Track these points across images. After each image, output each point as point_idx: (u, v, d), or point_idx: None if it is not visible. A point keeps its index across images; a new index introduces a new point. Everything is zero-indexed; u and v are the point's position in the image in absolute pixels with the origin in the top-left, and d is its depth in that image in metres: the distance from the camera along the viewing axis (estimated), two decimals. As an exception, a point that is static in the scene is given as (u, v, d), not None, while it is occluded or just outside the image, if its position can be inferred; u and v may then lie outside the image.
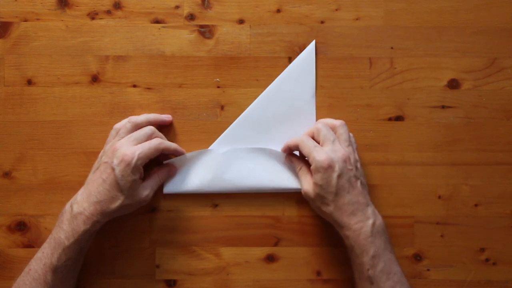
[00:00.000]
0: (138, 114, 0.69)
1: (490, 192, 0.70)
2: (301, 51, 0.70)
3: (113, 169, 0.61)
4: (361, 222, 0.62)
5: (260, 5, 0.70)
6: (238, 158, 0.68)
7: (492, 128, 0.70)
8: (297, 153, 0.68)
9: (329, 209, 0.62)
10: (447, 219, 0.70)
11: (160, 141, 0.64)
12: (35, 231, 0.69)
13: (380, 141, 0.70)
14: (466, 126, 0.70)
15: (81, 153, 0.69)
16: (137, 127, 0.66)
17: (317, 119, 0.69)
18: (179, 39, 0.70)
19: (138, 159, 0.61)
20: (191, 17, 0.70)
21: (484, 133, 0.70)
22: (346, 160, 0.63)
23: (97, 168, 0.63)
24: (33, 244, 0.69)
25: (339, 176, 0.62)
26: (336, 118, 0.70)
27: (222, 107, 0.70)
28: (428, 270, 0.70)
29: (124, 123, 0.66)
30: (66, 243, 0.61)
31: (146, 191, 0.64)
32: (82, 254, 0.64)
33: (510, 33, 0.70)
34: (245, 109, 0.69)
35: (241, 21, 0.70)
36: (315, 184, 0.63)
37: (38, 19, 0.69)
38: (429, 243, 0.70)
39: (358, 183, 0.63)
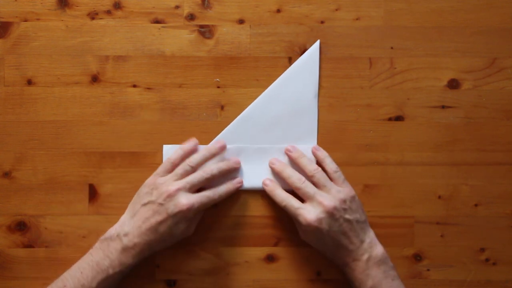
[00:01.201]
0: (138, 114, 0.69)
1: (490, 192, 0.70)
2: (301, 51, 0.70)
3: (169, 216, 0.62)
4: (356, 260, 0.64)
5: (260, 5, 0.70)
6: (240, 156, 0.68)
7: (492, 128, 0.70)
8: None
9: (327, 254, 0.67)
10: (447, 219, 0.70)
11: (218, 195, 0.65)
12: (35, 231, 0.69)
13: (380, 141, 0.70)
14: (466, 126, 0.70)
15: (81, 153, 0.69)
16: (196, 168, 0.66)
17: (318, 119, 0.69)
18: (179, 39, 0.70)
19: (193, 212, 0.63)
20: (191, 17, 0.70)
21: (484, 133, 0.70)
22: (332, 212, 0.63)
23: (149, 203, 0.63)
24: (33, 244, 0.69)
25: (328, 232, 0.64)
26: (336, 118, 0.70)
27: (222, 107, 0.70)
28: (428, 270, 0.70)
29: (181, 163, 0.66)
30: (111, 272, 0.62)
31: (192, 229, 0.65)
32: (120, 281, 0.65)
33: (510, 33, 0.70)
34: (245, 109, 0.69)
35: (241, 21, 0.70)
36: (309, 241, 0.66)
37: (38, 19, 0.69)
38: (429, 243, 0.70)
39: (352, 225, 0.64)
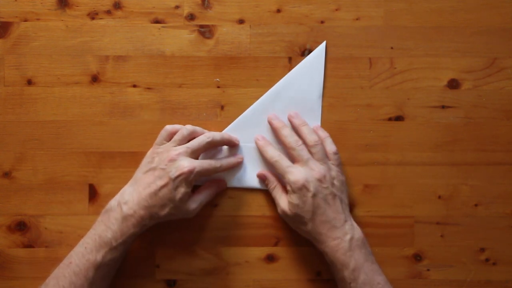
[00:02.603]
0: (138, 114, 0.69)
1: (490, 192, 0.70)
2: (301, 51, 0.70)
3: (170, 179, 0.62)
4: (339, 239, 0.63)
5: (260, 5, 0.70)
6: (241, 155, 0.69)
7: (492, 128, 0.70)
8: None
9: (307, 228, 0.64)
10: (447, 219, 0.70)
11: (219, 164, 0.65)
12: (35, 231, 0.69)
13: (380, 141, 0.70)
14: (466, 126, 0.70)
15: (81, 153, 0.69)
16: (194, 135, 0.66)
17: (322, 120, 0.70)
18: (179, 39, 0.70)
19: (195, 175, 0.62)
20: (191, 17, 0.70)
21: (484, 133, 0.70)
22: (321, 179, 0.63)
23: (150, 170, 0.63)
24: (33, 244, 0.69)
25: (314, 195, 0.63)
26: (336, 118, 0.70)
27: (222, 107, 0.70)
28: (428, 270, 0.70)
29: (179, 128, 0.66)
30: (114, 243, 0.61)
31: (194, 204, 0.65)
32: (124, 253, 0.64)
33: (510, 33, 0.70)
34: (245, 109, 0.69)
35: (241, 21, 0.70)
36: (291, 203, 0.64)
37: (38, 19, 0.69)
38: (429, 243, 0.70)
39: (336, 200, 0.64)
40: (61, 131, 0.69)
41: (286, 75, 0.69)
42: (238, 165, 0.68)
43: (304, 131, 0.67)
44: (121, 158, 0.69)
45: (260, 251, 0.70)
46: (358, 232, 0.64)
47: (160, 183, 0.62)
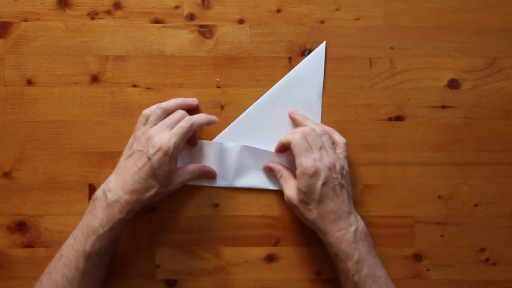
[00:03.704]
0: (138, 114, 0.69)
1: (490, 192, 0.70)
2: (301, 51, 0.70)
3: (149, 158, 0.61)
4: (344, 230, 0.62)
5: (260, 5, 0.70)
6: (241, 154, 0.68)
7: (492, 128, 0.70)
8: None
9: (312, 215, 0.63)
10: (447, 219, 0.70)
11: (191, 122, 0.63)
12: (35, 231, 0.69)
13: (380, 141, 0.70)
14: (466, 126, 0.70)
15: (81, 153, 0.69)
16: (167, 112, 0.65)
17: (322, 120, 0.70)
18: (179, 39, 0.70)
19: (174, 148, 0.61)
20: (191, 17, 0.70)
21: (484, 133, 0.70)
22: (331, 168, 0.63)
23: (130, 155, 0.63)
24: (33, 244, 0.69)
25: (324, 184, 0.63)
26: (336, 118, 0.70)
27: (222, 107, 0.70)
28: (428, 270, 0.70)
29: (153, 109, 0.65)
30: (101, 231, 0.61)
31: (179, 179, 0.65)
32: (115, 242, 0.64)
33: (510, 33, 0.70)
34: (245, 109, 0.69)
35: (241, 21, 0.70)
36: (299, 190, 0.64)
37: (38, 19, 0.69)
38: (429, 243, 0.70)
39: (343, 191, 0.64)
40: (61, 131, 0.69)
41: (286, 75, 0.70)
42: (210, 121, 0.66)
43: (310, 123, 0.67)
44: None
45: (260, 251, 0.70)
46: (361, 224, 0.64)
47: (140, 163, 0.61)
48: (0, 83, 0.69)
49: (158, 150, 0.61)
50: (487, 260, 0.70)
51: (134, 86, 0.70)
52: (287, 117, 0.69)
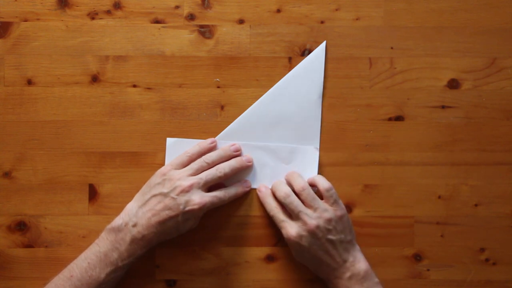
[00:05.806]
0: (138, 114, 0.69)
1: (490, 192, 0.70)
2: (301, 51, 0.70)
3: (180, 212, 0.62)
4: (338, 278, 0.64)
5: (260, 5, 0.70)
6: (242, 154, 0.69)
7: (492, 128, 0.70)
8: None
9: (310, 268, 0.67)
10: (447, 219, 0.70)
11: (226, 196, 0.65)
12: (35, 231, 0.69)
13: (380, 141, 0.70)
14: (466, 126, 0.70)
15: (81, 153, 0.69)
16: (212, 166, 0.66)
17: (322, 120, 0.70)
18: (179, 39, 0.70)
19: (204, 210, 0.64)
20: (191, 17, 0.70)
21: (484, 133, 0.70)
22: (313, 231, 0.63)
23: (160, 195, 0.63)
24: (33, 244, 0.69)
25: (309, 249, 0.64)
26: (336, 118, 0.70)
27: (222, 107, 0.70)
28: (428, 270, 0.70)
29: (200, 161, 0.66)
30: (120, 263, 0.62)
31: (195, 224, 0.66)
32: (128, 269, 0.65)
33: (510, 33, 0.70)
34: (245, 109, 0.69)
35: (241, 21, 0.70)
36: (292, 252, 0.67)
37: (38, 19, 0.69)
38: (429, 243, 0.70)
39: (334, 244, 0.64)
40: (61, 131, 0.69)
41: (286, 75, 0.70)
42: (245, 193, 0.69)
43: (291, 178, 0.67)
44: (121, 158, 0.69)
45: (260, 251, 0.70)
46: (359, 267, 0.64)
47: (170, 213, 0.62)
48: (0, 83, 0.69)
49: (191, 210, 0.63)
50: (487, 260, 0.70)
51: (134, 86, 0.70)
52: (287, 117, 0.69)
